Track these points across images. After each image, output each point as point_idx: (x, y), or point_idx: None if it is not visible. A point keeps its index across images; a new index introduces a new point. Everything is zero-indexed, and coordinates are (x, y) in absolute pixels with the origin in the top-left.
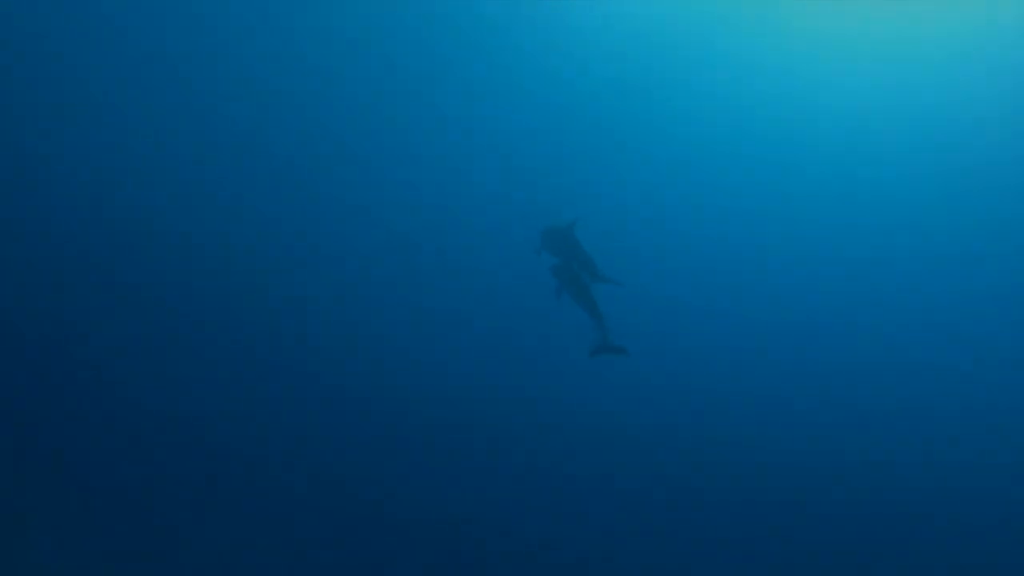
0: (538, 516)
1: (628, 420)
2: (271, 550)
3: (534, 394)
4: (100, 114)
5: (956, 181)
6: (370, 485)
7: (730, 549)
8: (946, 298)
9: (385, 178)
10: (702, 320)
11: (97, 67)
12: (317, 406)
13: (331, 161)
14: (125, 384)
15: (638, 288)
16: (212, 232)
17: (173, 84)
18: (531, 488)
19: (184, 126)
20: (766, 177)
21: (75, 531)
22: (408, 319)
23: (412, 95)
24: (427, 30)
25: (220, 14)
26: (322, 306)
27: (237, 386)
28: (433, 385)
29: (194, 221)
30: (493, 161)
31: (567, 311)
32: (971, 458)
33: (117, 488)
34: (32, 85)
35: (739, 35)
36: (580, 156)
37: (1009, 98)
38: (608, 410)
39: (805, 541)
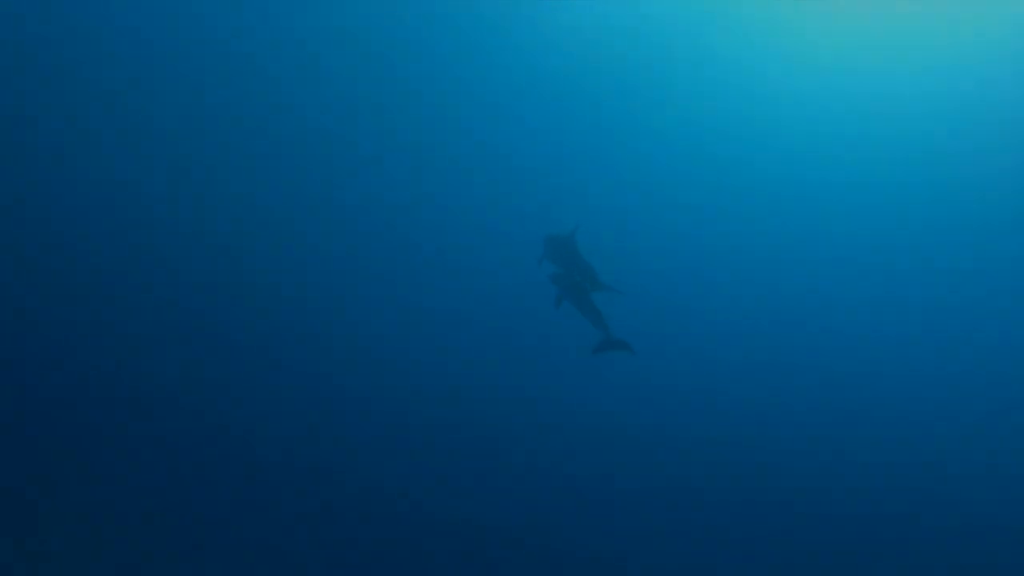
0: (538, 516)
1: (628, 420)
2: (269, 549)
3: (534, 394)
4: (100, 114)
5: (955, 182)
6: (370, 484)
7: (730, 549)
8: (945, 300)
9: (385, 180)
10: (702, 322)
11: (97, 67)
12: (318, 406)
13: (329, 163)
14: (124, 384)
15: (638, 290)
16: (213, 232)
17: (173, 83)
18: (531, 488)
19: (185, 125)
20: (765, 183)
21: (76, 530)
22: (409, 320)
23: (412, 96)
24: (428, 31)
25: (218, 13)
26: (323, 306)
27: (236, 386)
28: (434, 385)
29: (196, 221)
30: (494, 162)
31: (567, 315)
32: (971, 457)
33: (116, 488)
34: (35, 85)
35: (743, 43)
36: (581, 160)
37: (1011, 100)
38: (608, 410)
39: (805, 541)
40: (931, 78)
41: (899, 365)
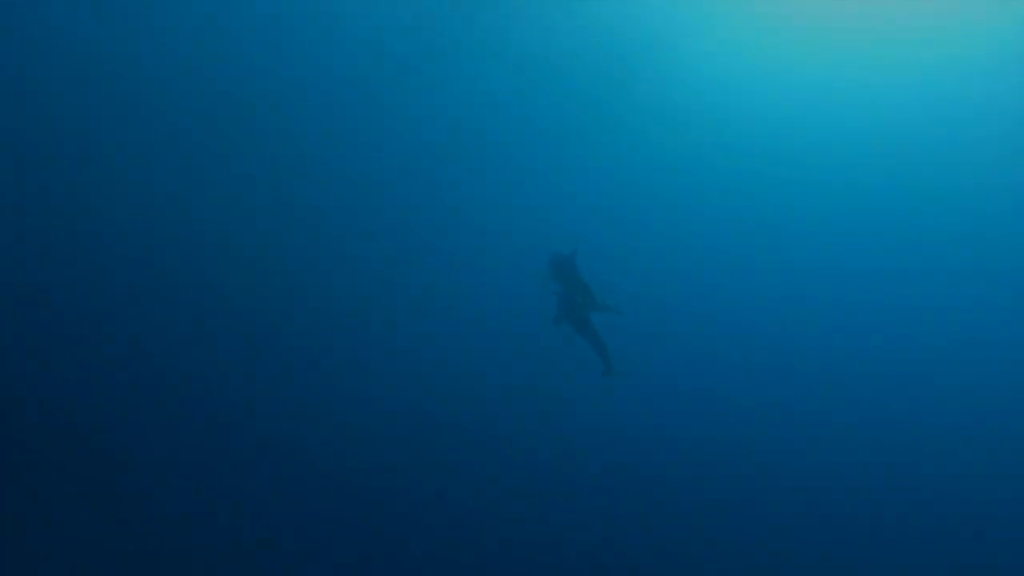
0: (538, 516)
1: (628, 420)
2: (270, 551)
3: (533, 394)
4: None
5: (954, 181)
6: (371, 485)
7: (730, 549)
8: (945, 301)
9: (385, 182)
10: (702, 323)
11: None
12: (321, 408)
13: (328, 168)
14: (124, 382)
15: (637, 305)
16: (213, 233)
17: (174, 83)
18: (531, 488)
19: (188, 125)
20: (765, 184)
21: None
22: (410, 321)
23: (412, 96)
24: (430, 30)
25: (214, 14)
26: (324, 306)
27: (237, 387)
28: (434, 386)
29: (199, 221)
30: (496, 161)
31: (564, 332)
32: (971, 458)
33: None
34: (36, 84)
35: (745, 46)
36: (582, 162)
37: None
38: (608, 410)
39: (805, 541)
40: (929, 75)
41: (898, 365)
